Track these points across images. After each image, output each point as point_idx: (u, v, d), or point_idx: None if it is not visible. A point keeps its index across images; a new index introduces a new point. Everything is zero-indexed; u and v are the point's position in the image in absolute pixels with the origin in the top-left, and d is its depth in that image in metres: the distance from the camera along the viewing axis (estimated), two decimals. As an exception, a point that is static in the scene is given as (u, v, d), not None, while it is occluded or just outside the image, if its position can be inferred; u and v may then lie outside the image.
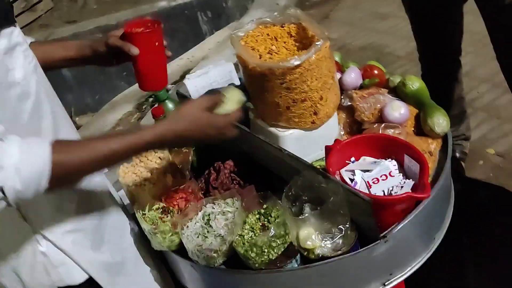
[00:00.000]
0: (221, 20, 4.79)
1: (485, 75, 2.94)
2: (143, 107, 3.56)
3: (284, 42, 1.36)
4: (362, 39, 3.70)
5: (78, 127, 3.84)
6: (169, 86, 1.89)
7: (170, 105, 1.61)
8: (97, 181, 1.22)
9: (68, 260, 1.14)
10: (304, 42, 1.34)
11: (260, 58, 1.31)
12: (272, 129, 1.37)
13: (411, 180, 1.20)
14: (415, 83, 1.43)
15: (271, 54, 1.33)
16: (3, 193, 0.87)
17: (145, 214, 1.26)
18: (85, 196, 1.18)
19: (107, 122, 3.58)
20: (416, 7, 1.98)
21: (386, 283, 1.18)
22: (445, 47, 2.02)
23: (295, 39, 1.36)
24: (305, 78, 1.25)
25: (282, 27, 1.37)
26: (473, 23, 1.92)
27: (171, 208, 1.26)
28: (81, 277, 1.16)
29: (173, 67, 3.91)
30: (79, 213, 1.15)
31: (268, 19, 1.37)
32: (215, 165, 1.43)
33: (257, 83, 1.31)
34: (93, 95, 4.33)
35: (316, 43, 1.24)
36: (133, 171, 1.33)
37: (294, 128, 1.36)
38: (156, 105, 1.63)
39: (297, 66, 1.22)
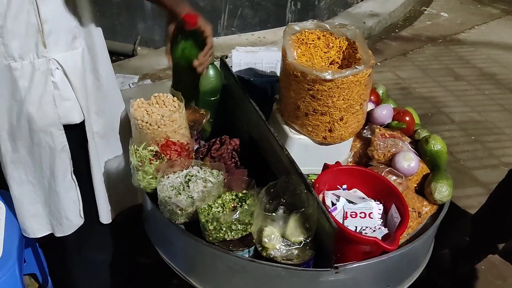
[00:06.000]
0: (307, 16, 4.77)
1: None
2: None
3: (332, 52, 1.37)
4: (427, 89, 3.63)
5: (135, 55, 3.96)
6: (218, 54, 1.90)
7: (211, 71, 1.64)
8: None
9: (73, 97, 1.23)
10: (349, 60, 1.35)
11: (302, 56, 1.33)
12: (285, 127, 1.39)
13: (386, 229, 1.20)
14: (438, 145, 1.42)
15: (313, 57, 1.35)
16: None
17: (138, 150, 1.30)
18: None
19: (160, 63, 3.66)
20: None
21: (322, 312, 1.19)
22: None
23: (343, 54, 1.37)
24: (332, 94, 1.26)
25: (337, 38, 1.38)
26: None
27: (163, 155, 1.30)
28: (79, 118, 1.27)
29: (242, 40, 3.95)
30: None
31: (327, 26, 1.38)
32: (222, 137, 1.47)
33: (288, 80, 1.32)
34: (163, 33, 4.42)
35: (357, 66, 1.24)
36: (146, 108, 1.37)
37: (305, 135, 1.37)
38: None
39: (328, 80, 1.23)
